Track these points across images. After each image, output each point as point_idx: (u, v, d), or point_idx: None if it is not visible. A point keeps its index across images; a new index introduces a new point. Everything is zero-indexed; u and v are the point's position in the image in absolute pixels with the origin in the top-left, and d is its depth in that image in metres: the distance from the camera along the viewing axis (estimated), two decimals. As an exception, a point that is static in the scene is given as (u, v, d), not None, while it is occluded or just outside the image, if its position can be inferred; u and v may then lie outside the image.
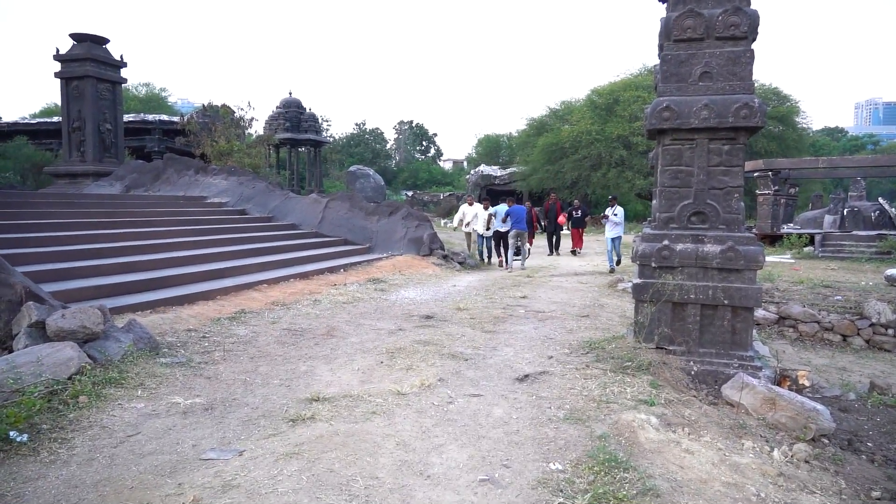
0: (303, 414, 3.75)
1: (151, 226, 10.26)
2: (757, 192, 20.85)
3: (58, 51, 19.34)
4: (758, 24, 4.65)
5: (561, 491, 2.82)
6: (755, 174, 20.32)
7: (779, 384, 4.63)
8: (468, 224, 14.42)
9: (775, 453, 3.41)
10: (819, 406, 3.97)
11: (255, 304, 7.30)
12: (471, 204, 14.59)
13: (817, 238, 17.92)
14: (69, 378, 4.01)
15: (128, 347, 4.67)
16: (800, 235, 18.54)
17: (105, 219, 10.11)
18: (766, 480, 3.08)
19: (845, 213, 20.67)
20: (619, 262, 12.84)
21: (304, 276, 9.43)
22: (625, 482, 2.87)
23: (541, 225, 18.15)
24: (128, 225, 9.96)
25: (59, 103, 20.62)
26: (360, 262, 11.14)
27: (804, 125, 32.66)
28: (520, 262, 12.97)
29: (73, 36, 19.48)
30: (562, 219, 16.41)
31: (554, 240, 16.74)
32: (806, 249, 17.65)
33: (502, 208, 13.20)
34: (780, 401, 3.93)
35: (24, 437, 3.25)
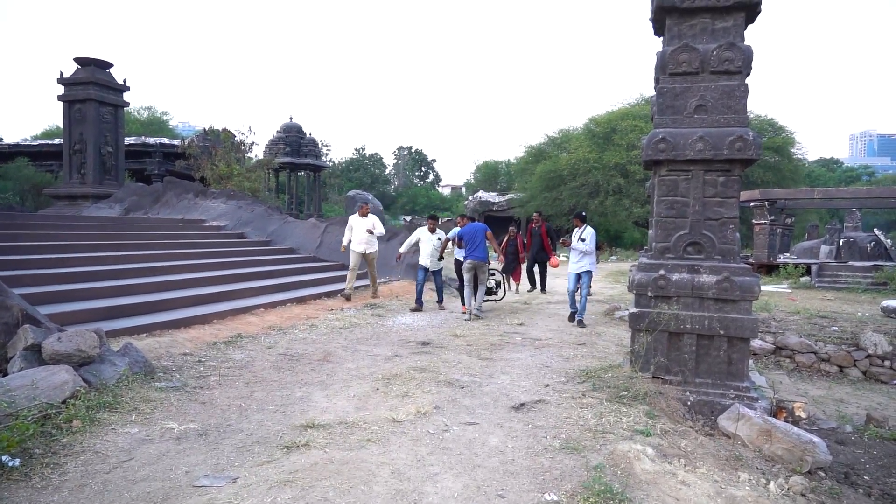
0: (297, 441, 3.73)
1: (149, 248, 10.28)
2: (753, 221, 21.00)
3: (62, 74, 19.60)
4: (751, 60, 4.75)
5: (556, 522, 2.80)
6: (751, 204, 20.47)
7: (775, 415, 4.62)
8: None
9: (772, 486, 3.40)
10: (816, 438, 3.96)
11: (252, 329, 7.28)
12: (432, 231, 10.10)
13: (814, 268, 17.98)
14: (63, 402, 3.99)
15: (123, 371, 4.65)
16: (796, 265, 18.61)
17: (103, 241, 10.13)
18: (762, 514, 3.06)
19: (841, 244, 20.80)
20: (580, 323, 8.64)
21: (301, 300, 9.42)
22: (620, 514, 2.85)
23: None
24: (126, 248, 9.98)
25: (61, 125, 20.84)
26: (358, 287, 11.14)
27: (800, 156, 33.05)
28: (476, 306, 9.10)
29: (77, 60, 19.76)
30: (554, 259, 12.38)
31: (537, 272, 13.09)
32: (802, 279, 17.70)
33: (454, 232, 9.72)
34: (776, 433, 3.93)
35: (17, 462, 3.22)
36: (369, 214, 10.57)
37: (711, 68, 4.78)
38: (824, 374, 8.62)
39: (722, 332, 4.72)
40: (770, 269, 19.78)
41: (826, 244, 21.85)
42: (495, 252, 10.69)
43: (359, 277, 12.00)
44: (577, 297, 8.82)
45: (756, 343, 9.02)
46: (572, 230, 9.16)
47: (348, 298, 10.18)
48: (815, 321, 10.36)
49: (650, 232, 5.29)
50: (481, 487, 3.17)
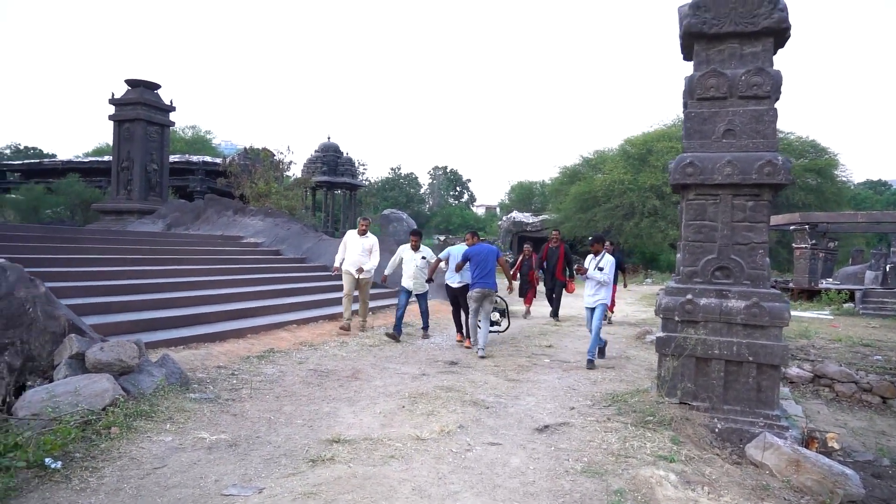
0: (323, 455, 3.82)
1: (189, 263, 10.62)
2: (794, 245, 20.47)
3: (113, 95, 20.55)
4: (780, 84, 4.74)
5: (573, 544, 2.82)
6: (791, 228, 20.00)
7: (806, 445, 4.52)
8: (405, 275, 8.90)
9: (798, 517, 3.33)
10: (848, 470, 3.87)
11: (284, 344, 7.46)
12: (415, 248, 8.96)
13: (858, 294, 17.41)
14: (103, 409, 4.18)
15: (160, 381, 4.84)
16: (839, 291, 18.04)
17: (145, 255, 10.51)
18: (786, 545, 3.01)
19: (888, 269, 20.09)
20: (602, 352, 7.80)
21: (333, 317, 9.59)
22: (638, 539, 2.85)
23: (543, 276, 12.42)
24: (166, 262, 10.34)
25: (111, 143, 21.77)
26: (389, 306, 11.27)
27: (844, 178, 32.16)
28: (481, 337, 7.70)
29: (127, 81, 20.70)
30: (571, 285, 11.16)
31: (554, 297, 11.84)
32: (846, 306, 17.14)
33: (457, 249, 8.49)
34: (805, 463, 3.85)
35: (59, 465, 3.40)
36: (369, 234, 9.02)
37: (740, 93, 4.78)
38: (866, 405, 8.33)
39: (751, 358, 4.66)
40: (811, 295, 19.22)
41: (871, 269, 21.11)
42: (507, 281, 8.85)
43: (382, 297, 12.10)
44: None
45: (793, 371, 8.79)
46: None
47: (347, 329, 8.62)
48: (857, 349, 10.03)
49: (678, 256, 5.28)
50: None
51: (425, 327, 9.05)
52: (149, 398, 4.60)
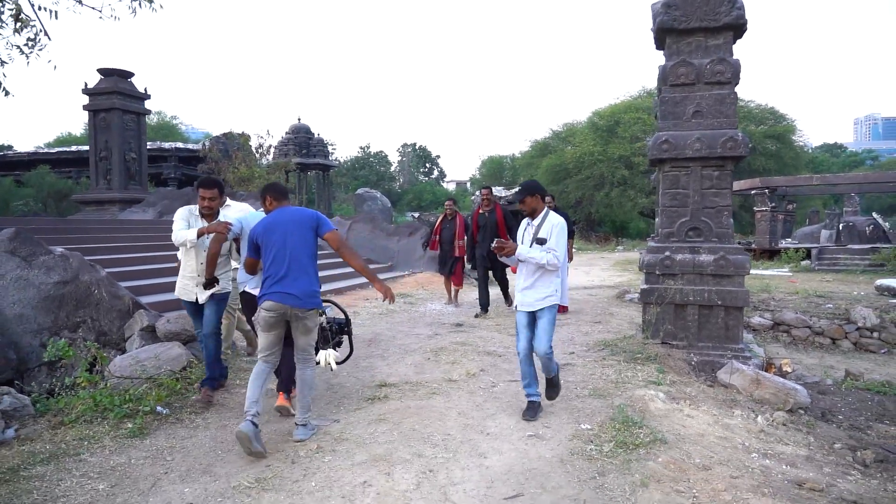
0: (377, 395, 4.63)
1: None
2: (755, 209, 21.78)
3: (86, 85, 20.52)
4: (739, 72, 5.60)
5: (591, 441, 3.70)
6: (753, 192, 21.25)
7: (766, 370, 5.50)
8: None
9: (759, 419, 4.28)
10: (798, 385, 4.85)
11: (303, 316, 8.18)
12: (208, 212, 4.71)
13: (814, 252, 18.77)
14: (182, 370, 4.91)
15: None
16: (797, 250, 19.38)
17: (151, 241, 11.03)
18: (749, 435, 3.94)
19: (841, 228, 21.58)
20: (554, 388, 4.34)
21: (338, 291, 10.34)
22: (640, 434, 3.74)
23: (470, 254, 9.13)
24: (171, 248, 10.86)
25: (74, 133, 21.68)
26: (385, 279, 12.04)
27: (801, 143, 33.76)
28: (299, 413, 3.92)
29: (100, 70, 20.68)
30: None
31: (495, 280, 8.76)
32: (803, 263, 18.47)
33: (251, 217, 4.55)
34: (764, 381, 4.80)
35: (167, 411, 4.14)
36: (231, 203, 5.06)
37: (705, 80, 5.64)
38: (818, 346, 9.47)
39: (720, 302, 5.60)
40: (772, 255, 20.55)
41: (826, 229, 22.63)
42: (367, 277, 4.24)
43: (377, 272, 12.80)
44: (537, 363, 4.27)
45: (756, 320, 9.87)
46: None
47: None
48: (812, 300, 11.17)
49: (657, 220, 6.17)
50: (530, 422, 4.05)
51: (209, 379, 4.64)
52: (213, 361, 5.32)
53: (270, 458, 3.48)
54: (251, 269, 4.23)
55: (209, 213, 4.68)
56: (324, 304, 4.22)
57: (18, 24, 4.50)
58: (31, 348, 5.23)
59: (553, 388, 4.32)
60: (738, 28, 5.59)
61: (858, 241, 20.59)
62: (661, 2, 5.74)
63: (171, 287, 8.15)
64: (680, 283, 5.75)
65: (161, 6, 5.39)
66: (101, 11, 5.16)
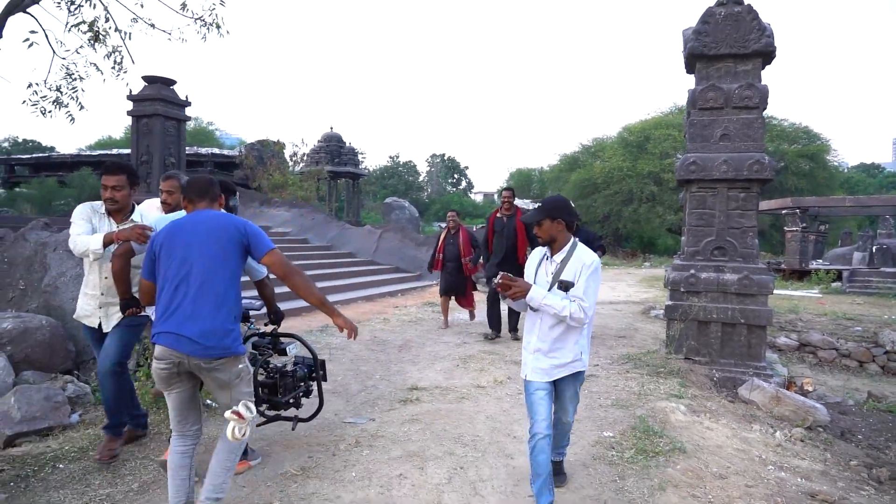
0: (409, 397, 4.89)
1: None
2: (786, 228, 21.58)
3: (130, 91, 21.38)
4: (767, 97, 5.77)
5: (612, 447, 3.90)
6: (783, 212, 21.08)
7: (787, 388, 5.61)
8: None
9: (777, 434, 4.42)
10: (818, 404, 4.96)
11: (336, 321, 8.50)
12: (112, 210, 3.72)
13: (845, 274, 18.54)
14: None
15: (259, 347, 5.87)
16: (828, 271, 19.17)
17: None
18: (767, 449, 4.10)
19: (874, 250, 21.24)
20: (562, 476, 3.42)
21: (368, 298, 10.66)
22: (660, 443, 3.93)
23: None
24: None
25: (114, 136, 22.46)
26: (414, 288, 12.34)
27: (836, 163, 33.27)
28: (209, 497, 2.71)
29: (144, 78, 21.54)
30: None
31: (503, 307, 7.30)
32: (834, 285, 18.26)
33: (161, 218, 3.57)
34: (784, 398, 4.94)
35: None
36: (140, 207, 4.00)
37: (734, 104, 5.82)
38: (844, 369, 9.46)
39: (742, 320, 5.74)
40: (802, 275, 20.34)
41: (859, 251, 22.28)
42: (320, 304, 3.12)
43: (405, 281, 13.09)
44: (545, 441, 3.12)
45: (781, 340, 9.91)
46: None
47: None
48: (840, 322, 11.13)
49: (683, 238, 6.34)
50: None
51: (112, 430, 3.71)
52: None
53: (312, 449, 3.76)
54: (148, 297, 2.88)
55: (116, 210, 3.62)
56: (285, 342, 3.50)
57: (97, 42, 4.91)
58: (85, 342, 5.62)
59: (561, 475, 3.40)
60: (766, 55, 5.77)
61: (892, 265, 20.25)
62: (693, 28, 5.95)
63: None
64: (704, 301, 5.91)
65: (228, 32, 5.80)
66: (170, 34, 5.57)
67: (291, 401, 3.57)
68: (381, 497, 3.13)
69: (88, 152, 37.80)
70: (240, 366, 2.79)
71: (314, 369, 3.65)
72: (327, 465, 3.50)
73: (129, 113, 21.59)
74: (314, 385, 3.77)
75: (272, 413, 3.53)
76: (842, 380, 8.65)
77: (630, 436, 4.08)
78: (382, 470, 3.45)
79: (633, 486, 3.34)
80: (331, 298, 9.88)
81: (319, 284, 10.64)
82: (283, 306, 8.76)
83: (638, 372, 5.82)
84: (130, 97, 21.47)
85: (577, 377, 3.21)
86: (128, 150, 22.77)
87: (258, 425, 3.58)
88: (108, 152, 34.36)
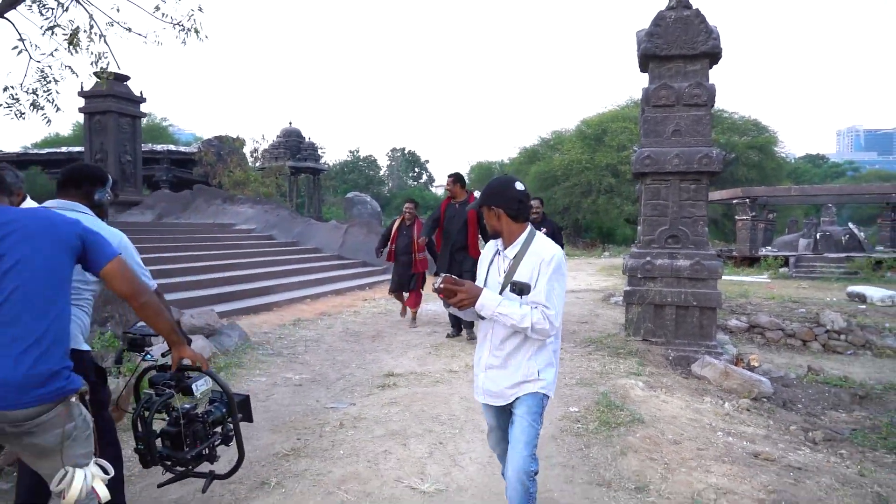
0: (386, 383, 5.14)
1: (193, 250, 11.56)
2: (737, 217, 22.55)
3: (82, 87, 20.78)
4: (714, 95, 6.20)
5: (578, 420, 4.24)
6: (734, 201, 22.02)
7: (735, 364, 6.07)
8: None
9: (726, 405, 4.84)
10: (763, 378, 5.42)
11: (307, 314, 8.67)
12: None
13: (791, 260, 19.54)
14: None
15: (237, 341, 6.04)
16: (776, 257, 20.15)
17: (153, 244, 11.41)
18: (717, 418, 4.50)
19: (818, 237, 22.42)
20: None
21: (338, 292, 10.83)
22: (621, 416, 4.28)
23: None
24: (173, 249, 11.27)
25: (68, 134, 21.89)
26: (382, 281, 12.53)
27: (783, 154, 34.75)
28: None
29: (96, 74, 20.98)
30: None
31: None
32: (781, 270, 19.23)
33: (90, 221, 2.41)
34: (732, 373, 5.38)
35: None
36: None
37: (684, 102, 6.23)
38: (790, 348, 10.08)
39: (695, 303, 6.18)
40: (752, 262, 21.31)
41: (804, 238, 23.46)
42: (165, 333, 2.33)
43: (373, 275, 13.24)
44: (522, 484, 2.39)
45: (732, 322, 10.49)
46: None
47: None
48: (786, 305, 11.84)
49: (639, 228, 6.74)
50: (525, 406, 4.57)
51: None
52: (233, 353, 5.81)
53: (299, 432, 3.98)
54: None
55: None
56: (193, 377, 2.51)
57: (72, 46, 4.94)
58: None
59: None
60: (713, 56, 6.19)
61: (835, 250, 21.42)
62: (645, 30, 6.33)
63: (176, 287, 8.67)
64: (659, 286, 6.32)
65: (206, 37, 5.87)
66: (146, 38, 5.63)
67: (205, 452, 2.57)
68: (370, 470, 3.38)
69: (36, 150, 36.50)
70: (63, 421, 1.84)
71: (227, 414, 2.66)
72: (316, 446, 3.73)
73: (81, 110, 21.00)
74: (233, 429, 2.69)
75: (179, 470, 2.55)
76: (787, 357, 9.24)
77: (594, 410, 4.43)
78: (368, 447, 3.70)
79: (598, 453, 3.68)
80: (300, 294, 10.04)
81: (287, 280, 10.77)
82: (257, 302, 8.90)
83: (600, 353, 6.20)
84: (82, 93, 20.85)
85: (535, 399, 2.40)
86: (79, 148, 22.17)
87: (159, 485, 2.71)
88: (57, 150, 33.29)
